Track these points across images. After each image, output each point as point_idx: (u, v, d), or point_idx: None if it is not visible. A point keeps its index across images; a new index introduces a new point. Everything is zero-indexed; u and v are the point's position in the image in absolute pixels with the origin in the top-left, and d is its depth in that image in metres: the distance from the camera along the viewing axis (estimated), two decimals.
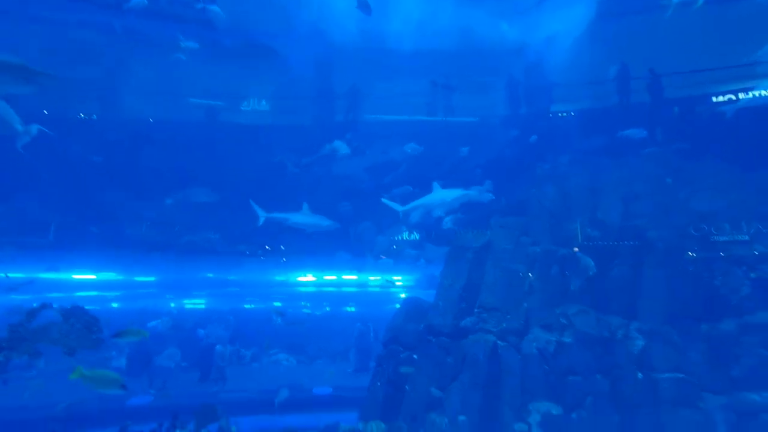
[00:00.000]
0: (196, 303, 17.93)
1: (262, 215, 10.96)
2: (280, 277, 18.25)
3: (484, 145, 13.62)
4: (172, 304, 16.42)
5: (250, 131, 13.32)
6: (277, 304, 13.18)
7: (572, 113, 13.24)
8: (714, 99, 11.95)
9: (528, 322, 9.15)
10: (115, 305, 17.20)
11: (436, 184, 10.07)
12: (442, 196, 9.91)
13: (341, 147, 13.02)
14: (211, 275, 16.96)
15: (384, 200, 10.99)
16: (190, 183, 13.08)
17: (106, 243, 13.67)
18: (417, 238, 14.74)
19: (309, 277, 17.95)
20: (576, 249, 9.79)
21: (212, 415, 8.04)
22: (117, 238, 13.66)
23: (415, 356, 9.69)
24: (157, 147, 12.68)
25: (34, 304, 6.18)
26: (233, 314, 15.67)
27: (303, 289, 19.13)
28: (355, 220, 14.24)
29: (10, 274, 12.40)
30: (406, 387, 9.32)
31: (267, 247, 14.37)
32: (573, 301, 9.13)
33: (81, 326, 6.09)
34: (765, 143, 9.50)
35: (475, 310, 9.70)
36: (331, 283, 18.33)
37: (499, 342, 8.87)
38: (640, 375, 7.91)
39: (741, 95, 11.52)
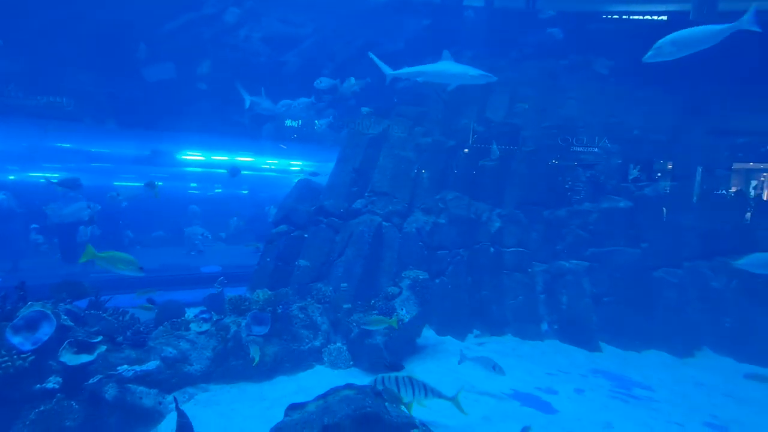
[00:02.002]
0: (48, 177, 15.28)
1: (248, 98, 9.65)
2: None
3: (394, 32, 12.89)
4: (12, 177, 13.73)
5: None
6: (159, 183, 11.97)
7: (481, 7, 13.01)
8: (603, 17, 12.87)
9: (412, 206, 10.04)
10: None
11: (446, 53, 8.04)
12: (461, 70, 7.79)
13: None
14: (67, 145, 14.31)
15: (371, 55, 9.24)
16: None
17: None
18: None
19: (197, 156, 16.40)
20: (466, 150, 10.58)
21: (77, 291, 7.46)
22: None
23: (305, 235, 10.11)
24: None
25: None
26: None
27: (190, 169, 17.60)
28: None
29: None
30: (296, 263, 9.84)
31: None
32: (452, 189, 10.18)
33: None
34: (630, 61, 10.74)
35: (366, 193, 10.23)
36: (222, 165, 17.15)
37: (384, 223, 9.68)
38: (492, 249, 9.61)
39: (624, 17, 12.57)
